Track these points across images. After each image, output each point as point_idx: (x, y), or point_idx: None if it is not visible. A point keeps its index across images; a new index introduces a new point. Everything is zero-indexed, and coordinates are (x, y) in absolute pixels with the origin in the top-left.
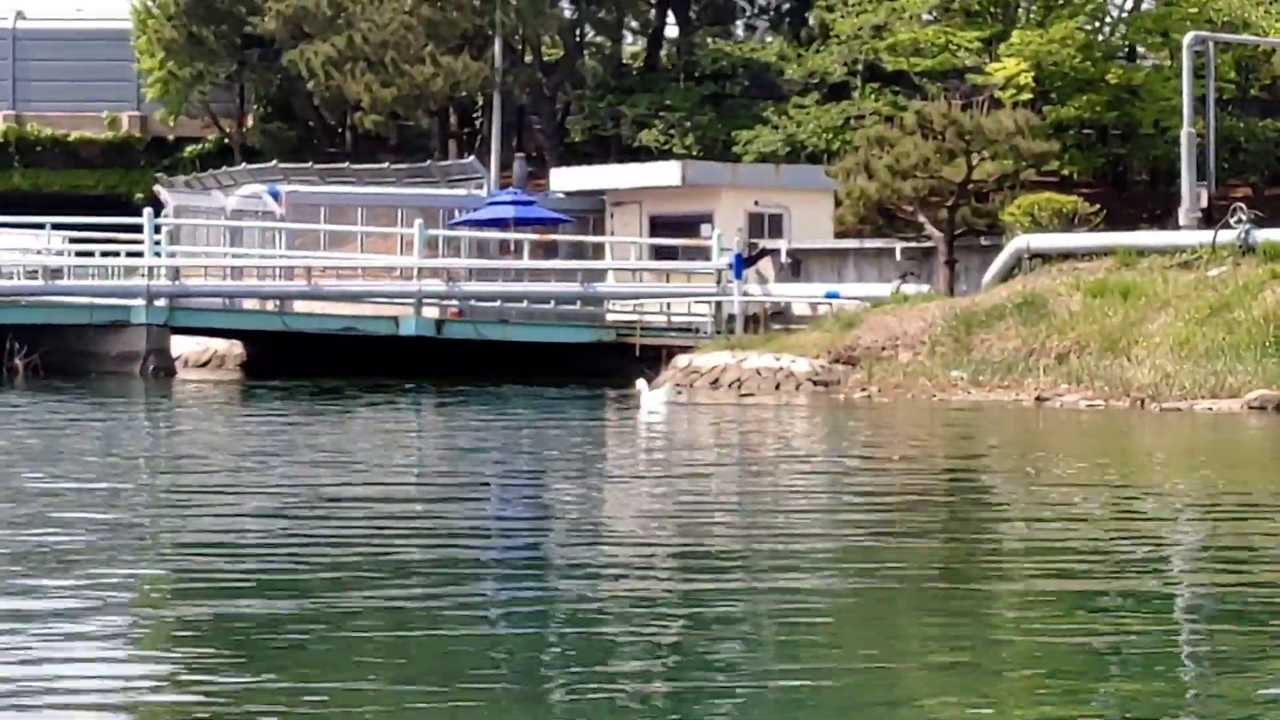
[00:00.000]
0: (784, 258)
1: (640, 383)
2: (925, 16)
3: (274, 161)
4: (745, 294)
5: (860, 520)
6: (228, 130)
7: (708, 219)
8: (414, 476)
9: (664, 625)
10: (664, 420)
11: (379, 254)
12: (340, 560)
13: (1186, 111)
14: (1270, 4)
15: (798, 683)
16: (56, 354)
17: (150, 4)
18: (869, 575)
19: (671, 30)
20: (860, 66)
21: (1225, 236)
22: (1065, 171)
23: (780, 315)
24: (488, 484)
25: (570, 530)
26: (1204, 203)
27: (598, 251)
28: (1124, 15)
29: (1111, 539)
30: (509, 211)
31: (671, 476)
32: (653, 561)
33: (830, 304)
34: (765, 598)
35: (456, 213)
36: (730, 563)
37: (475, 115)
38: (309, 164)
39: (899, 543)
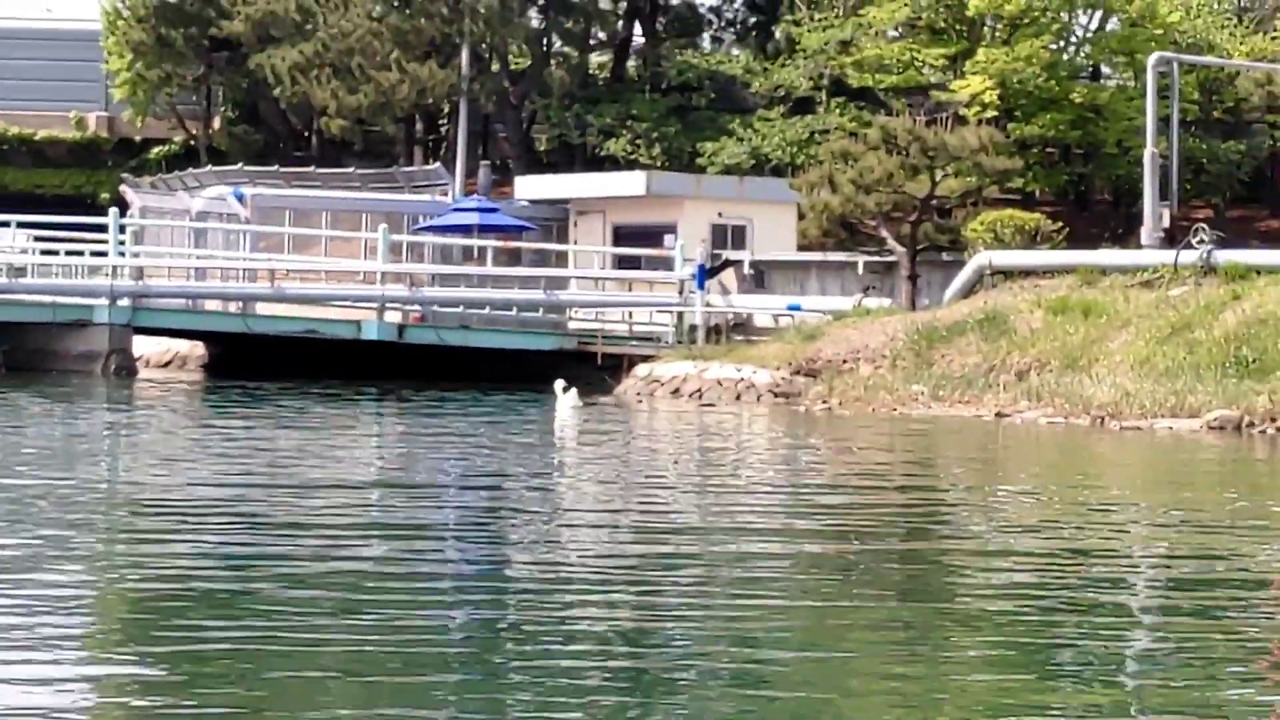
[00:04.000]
0: (746, 269)
1: (558, 384)
2: (891, 33)
3: (240, 164)
4: (707, 304)
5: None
6: (194, 132)
7: (671, 229)
8: (352, 480)
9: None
10: (574, 423)
11: (343, 258)
12: (284, 564)
13: (1150, 132)
14: (1234, 27)
15: (751, 695)
16: (19, 351)
17: (120, 5)
18: (817, 594)
19: (638, 41)
20: (826, 81)
21: (1187, 257)
22: (1028, 189)
23: (742, 326)
24: (426, 485)
25: (508, 530)
26: (1166, 223)
27: (561, 260)
28: (1089, 35)
29: (1063, 554)
30: (473, 218)
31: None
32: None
33: (792, 316)
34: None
35: (421, 219)
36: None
37: (441, 122)
38: (274, 167)
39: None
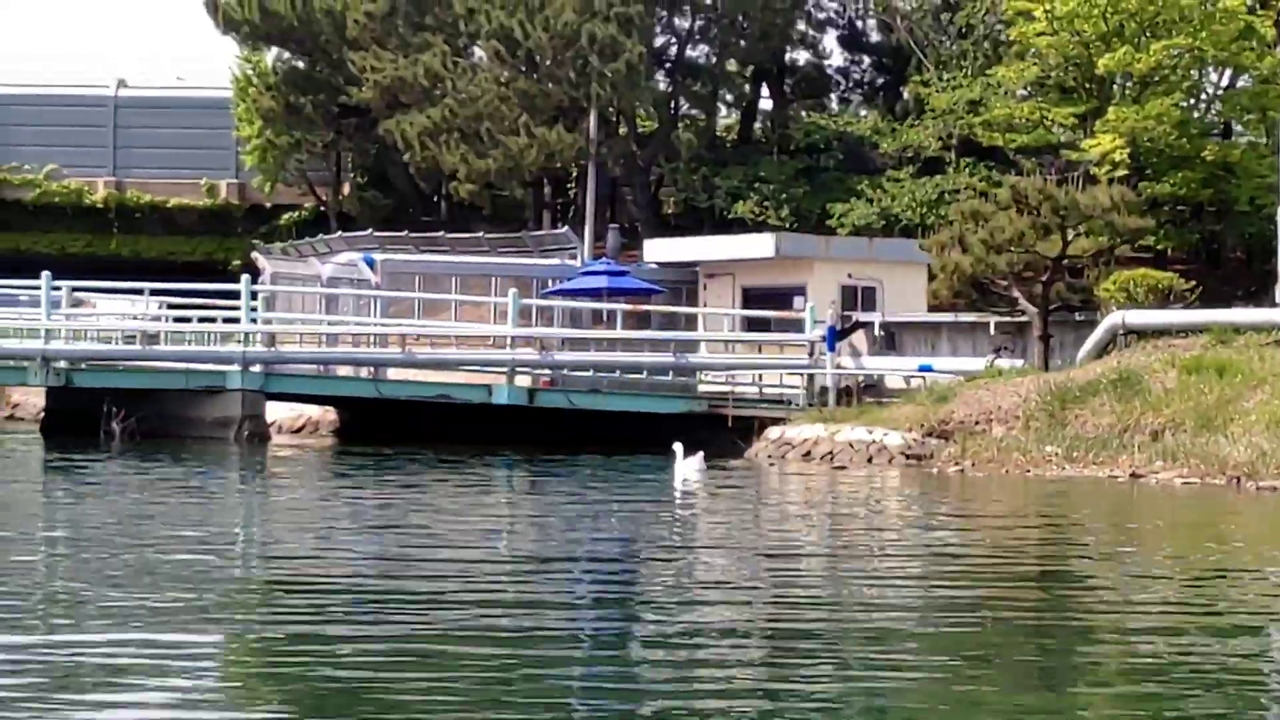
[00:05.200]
0: (877, 330)
1: (677, 448)
2: (1020, 92)
3: (369, 230)
4: (838, 366)
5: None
6: (324, 198)
7: (801, 291)
8: (489, 549)
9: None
10: (697, 487)
11: (473, 322)
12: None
13: None
14: None
15: None
16: (153, 418)
17: (249, 73)
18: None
19: (765, 103)
20: (954, 141)
21: None
22: (1160, 248)
23: (873, 388)
24: (564, 556)
25: (646, 595)
26: None
27: (690, 322)
28: (1220, 93)
29: (1202, 621)
30: (602, 281)
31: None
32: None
33: (924, 377)
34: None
35: (550, 282)
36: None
37: (569, 186)
38: (404, 232)
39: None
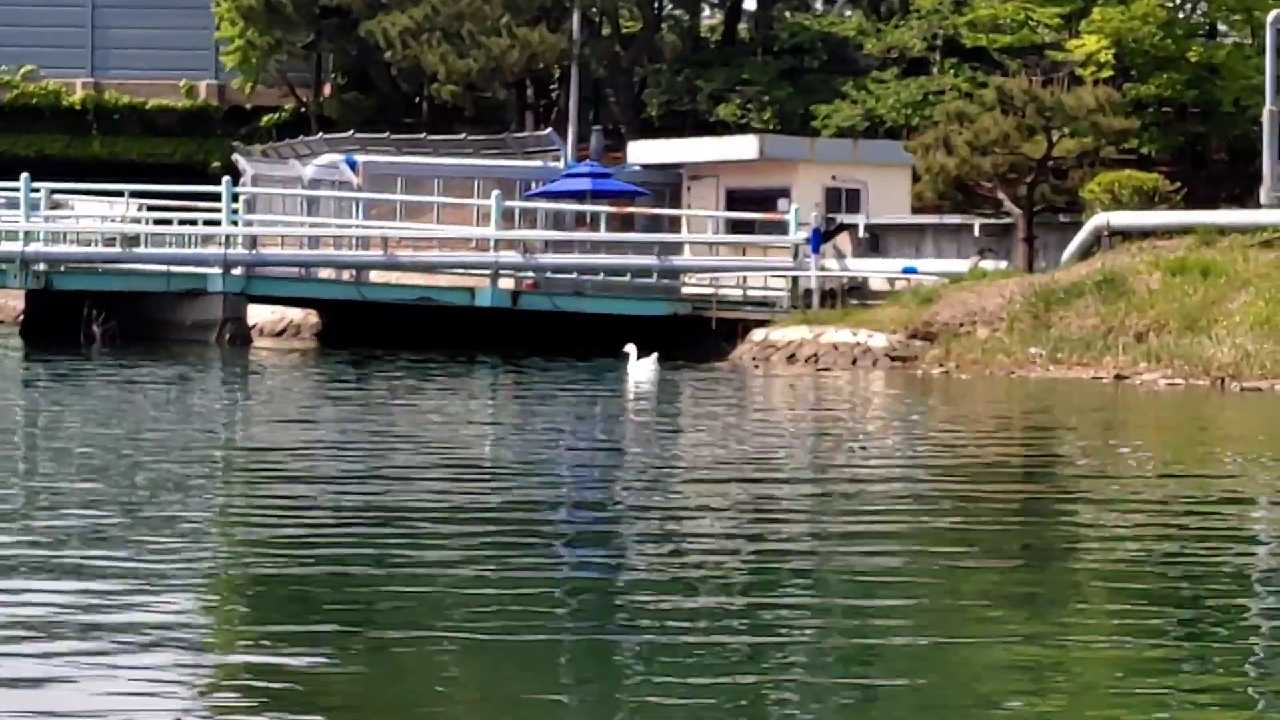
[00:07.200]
0: (861, 233)
1: (629, 349)
2: None
3: (351, 131)
4: (822, 269)
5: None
6: (304, 100)
7: (785, 193)
8: (455, 452)
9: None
10: (651, 388)
11: (455, 225)
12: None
13: (1269, 90)
14: None
15: (872, 670)
16: (133, 321)
17: None
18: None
19: (750, 4)
20: (939, 42)
21: None
22: (1144, 150)
23: (857, 290)
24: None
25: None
26: None
27: (674, 225)
28: None
29: (1184, 522)
30: (585, 184)
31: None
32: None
33: (908, 280)
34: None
35: (533, 185)
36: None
37: (552, 87)
38: (385, 134)
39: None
